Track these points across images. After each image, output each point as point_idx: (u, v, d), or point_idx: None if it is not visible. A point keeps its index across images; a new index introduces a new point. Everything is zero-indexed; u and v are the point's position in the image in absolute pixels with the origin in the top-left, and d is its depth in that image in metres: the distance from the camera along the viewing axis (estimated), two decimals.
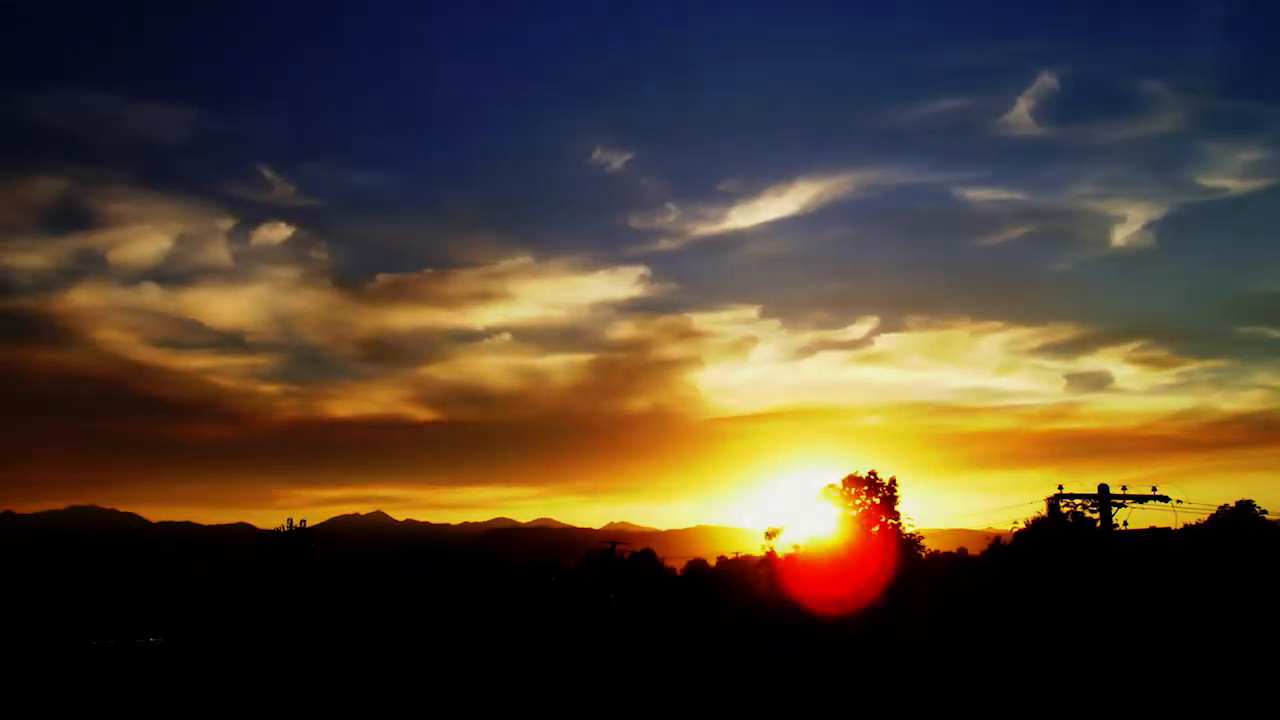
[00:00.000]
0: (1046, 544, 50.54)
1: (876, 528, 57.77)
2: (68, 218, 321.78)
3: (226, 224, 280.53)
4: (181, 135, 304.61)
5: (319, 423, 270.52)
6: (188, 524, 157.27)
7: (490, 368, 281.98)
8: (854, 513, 57.85)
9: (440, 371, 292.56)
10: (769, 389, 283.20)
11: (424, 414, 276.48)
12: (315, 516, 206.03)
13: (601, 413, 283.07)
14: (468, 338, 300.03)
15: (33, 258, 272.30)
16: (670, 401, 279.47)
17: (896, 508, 64.03)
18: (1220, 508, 61.59)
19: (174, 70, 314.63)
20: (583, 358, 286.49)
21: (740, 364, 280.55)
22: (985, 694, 40.46)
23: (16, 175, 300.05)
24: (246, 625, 60.20)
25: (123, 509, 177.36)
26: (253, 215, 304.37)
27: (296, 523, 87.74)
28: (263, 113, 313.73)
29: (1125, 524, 41.09)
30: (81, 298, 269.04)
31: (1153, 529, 49.61)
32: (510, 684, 45.76)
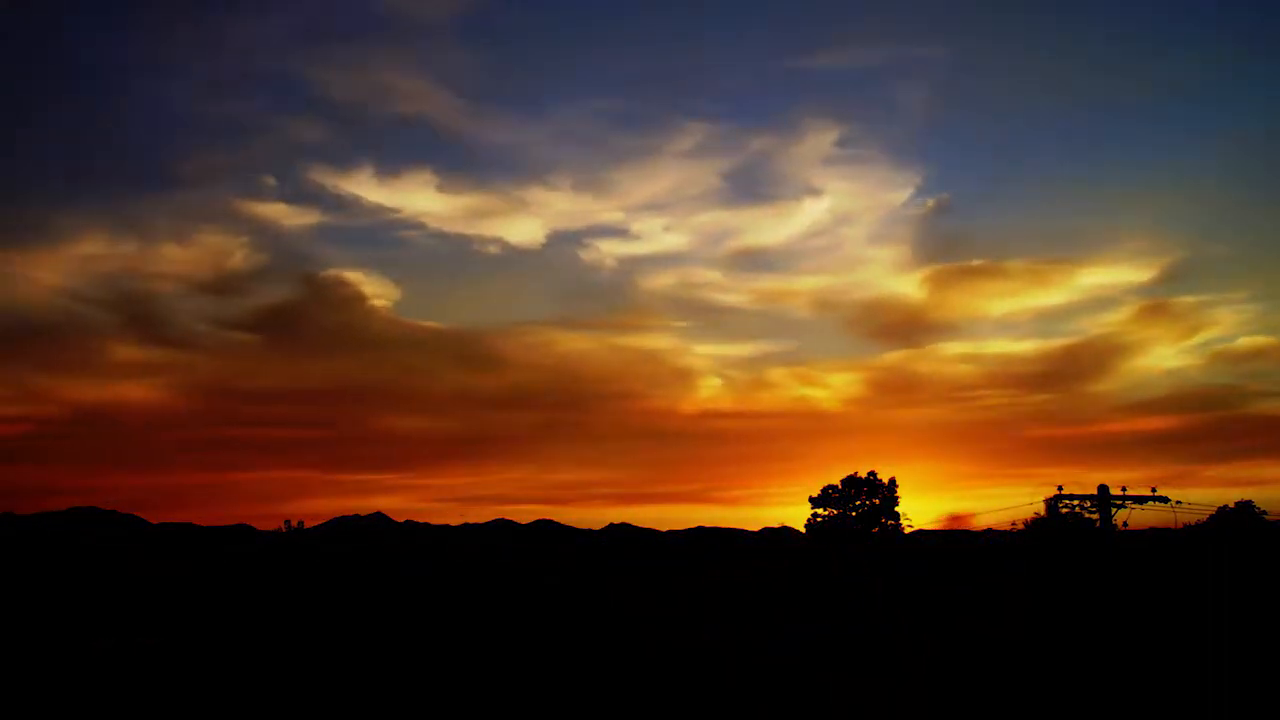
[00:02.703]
0: (1046, 543, 50.65)
1: (876, 528, 57.94)
2: (778, 182, 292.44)
3: (899, 195, 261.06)
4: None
5: (729, 411, 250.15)
6: (187, 525, 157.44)
7: (960, 357, 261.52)
8: (852, 514, 58.06)
9: (918, 359, 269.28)
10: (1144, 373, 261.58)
11: (833, 404, 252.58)
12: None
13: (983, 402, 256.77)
14: (997, 325, 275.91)
15: (673, 237, 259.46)
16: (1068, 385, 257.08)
17: (896, 509, 64.32)
18: (1220, 508, 61.74)
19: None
20: (1037, 345, 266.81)
21: (1172, 347, 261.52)
22: (985, 694, 40.47)
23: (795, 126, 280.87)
24: (247, 625, 60.27)
25: (123, 510, 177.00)
26: (933, 185, 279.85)
27: (294, 524, 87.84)
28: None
29: (1125, 525, 41.15)
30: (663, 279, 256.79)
31: (1153, 529, 49.70)
32: (510, 684, 45.83)
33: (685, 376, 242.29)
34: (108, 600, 68.77)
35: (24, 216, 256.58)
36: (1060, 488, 43.53)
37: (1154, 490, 40.69)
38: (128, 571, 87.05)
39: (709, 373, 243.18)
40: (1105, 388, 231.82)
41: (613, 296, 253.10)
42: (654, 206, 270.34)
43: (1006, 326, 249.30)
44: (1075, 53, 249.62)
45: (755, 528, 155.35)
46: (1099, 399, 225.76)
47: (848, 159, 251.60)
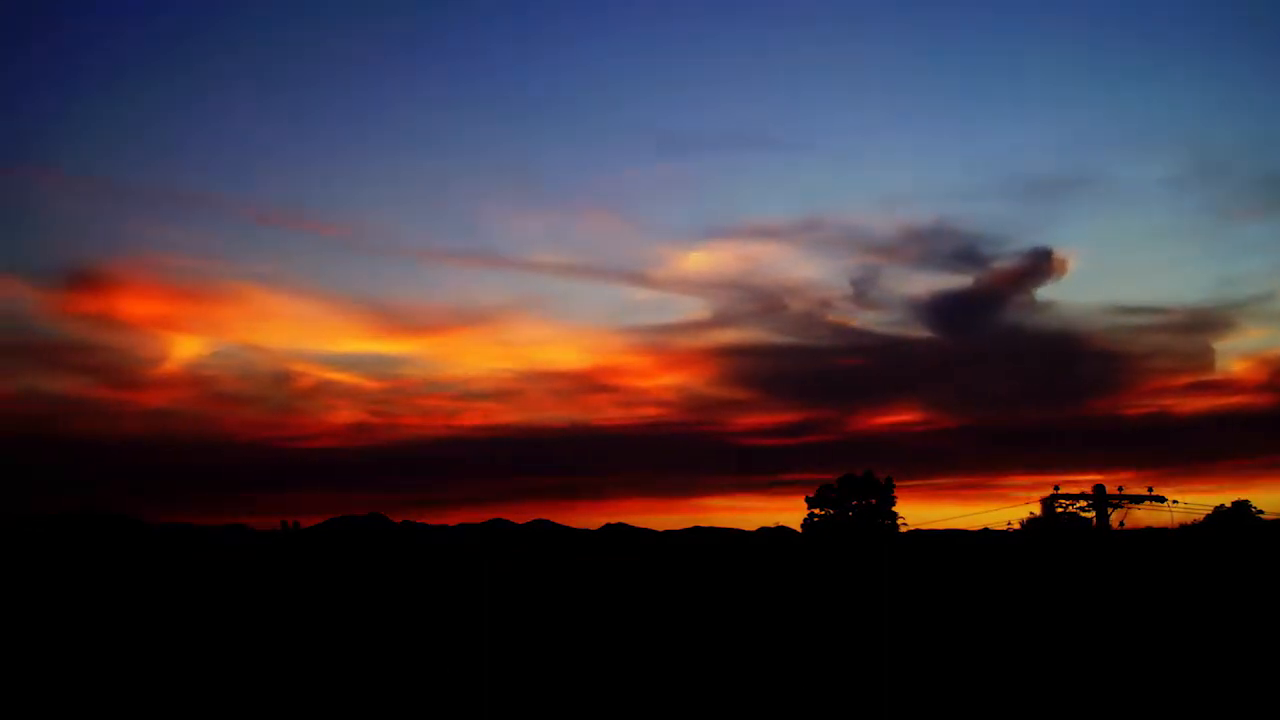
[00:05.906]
0: (1044, 543, 50.71)
1: (873, 528, 57.90)
2: None
3: None
4: None
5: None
6: (186, 525, 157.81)
7: None
8: (849, 514, 58.08)
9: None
10: None
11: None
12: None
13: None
14: None
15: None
16: None
17: (894, 509, 64.32)
18: (1217, 507, 61.85)
19: None
20: None
21: None
22: (985, 693, 40.51)
23: None
24: (245, 626, 60.23)
25: (116, 509, 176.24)
26: None
27: (290, 524, 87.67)
28: None
29: (1122, 524, 41.18)
30: None
31: (1149, 529, 49.79)
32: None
33: None
34: (107, 600, 68.74)
35: None
36: (1057, 487, 43.57)
37: (1150, 490, 40.72)
38: (128, 572, 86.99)
39: None
40: None
41: None
42: None
43: None
44: None
45: (752, 527, 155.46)
46: None
47: None
